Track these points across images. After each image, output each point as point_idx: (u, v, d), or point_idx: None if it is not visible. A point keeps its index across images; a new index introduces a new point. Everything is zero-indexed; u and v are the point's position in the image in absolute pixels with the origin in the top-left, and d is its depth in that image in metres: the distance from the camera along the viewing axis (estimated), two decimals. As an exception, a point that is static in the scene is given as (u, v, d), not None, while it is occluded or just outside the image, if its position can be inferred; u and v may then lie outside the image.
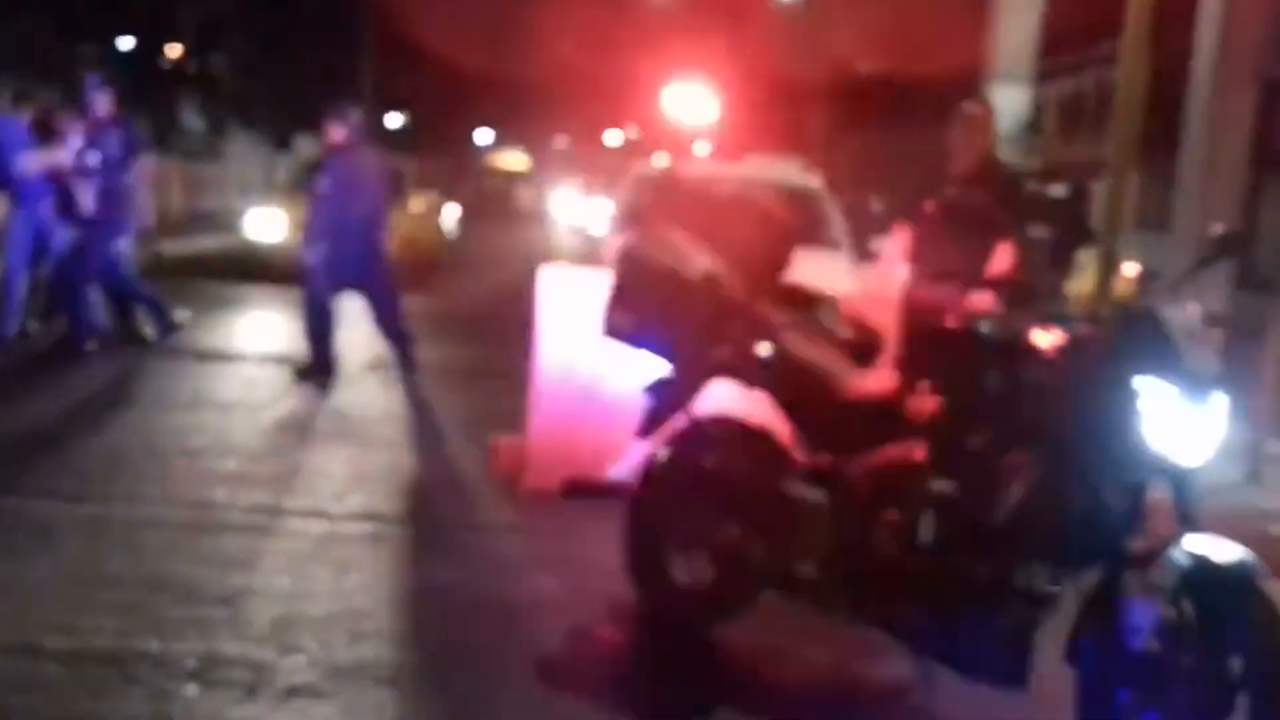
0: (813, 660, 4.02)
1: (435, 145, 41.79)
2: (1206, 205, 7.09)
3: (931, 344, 3.69)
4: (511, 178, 44.76)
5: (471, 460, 6.34)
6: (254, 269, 13.84)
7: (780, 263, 4.36)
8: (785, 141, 22.35)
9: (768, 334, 4.06)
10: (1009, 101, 10.39)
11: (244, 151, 25.97)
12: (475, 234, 23.32)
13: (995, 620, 3.34)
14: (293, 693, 3.51)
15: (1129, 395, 3.10)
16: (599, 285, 4.49)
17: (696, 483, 4.19)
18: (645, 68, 32.20)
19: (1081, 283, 9.63)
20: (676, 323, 4.08)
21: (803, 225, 8.66)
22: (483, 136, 55.11)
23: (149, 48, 36.61)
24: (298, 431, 6.94)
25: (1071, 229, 6.41)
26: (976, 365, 3.46)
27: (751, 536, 4.01)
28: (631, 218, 8.36)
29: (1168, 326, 3.14)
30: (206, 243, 16.43)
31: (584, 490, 5.52)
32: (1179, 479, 3.15)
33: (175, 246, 15.81)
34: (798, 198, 8.77)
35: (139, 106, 28.72)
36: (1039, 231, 6.37)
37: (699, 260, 4.09)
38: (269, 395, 7.95)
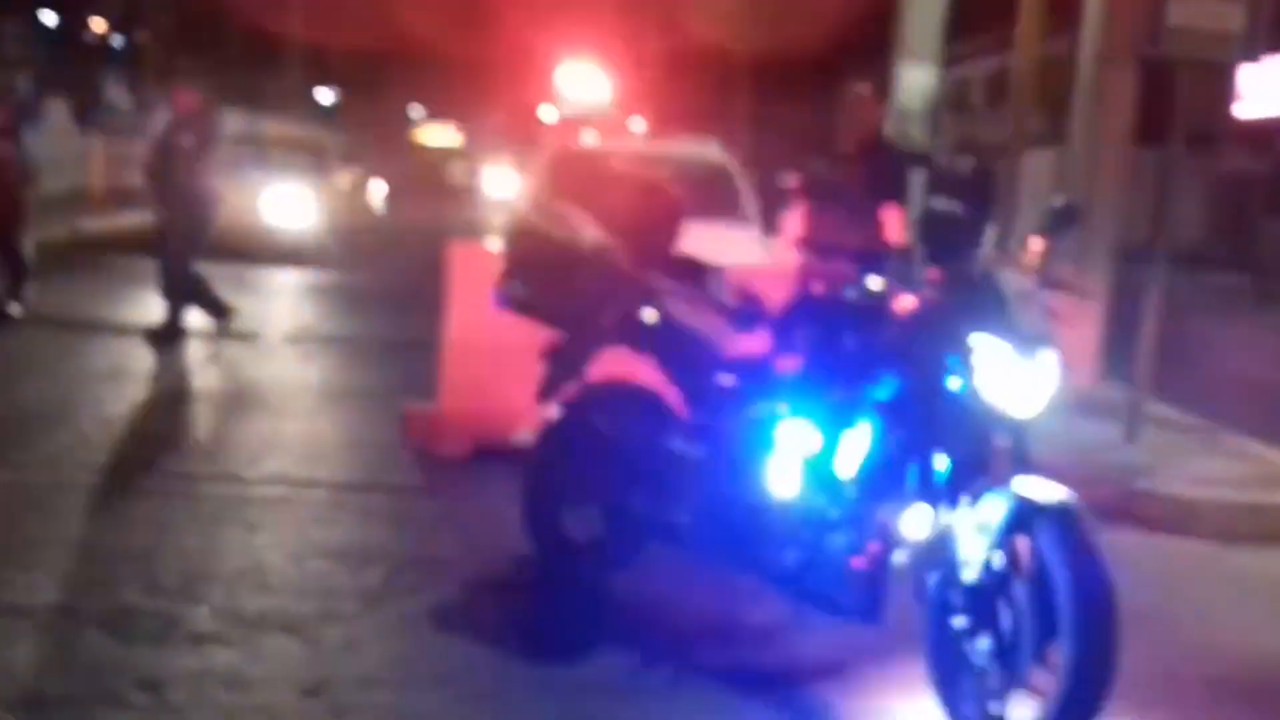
0: (694, 605, 4.29)
1: (366, 121, 41.55)
2: (1093, 179, 7.45)
3: (801, 309, 3.96)
4: (443, 153, 44.60)
5: (385, 427, 6.53)
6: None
7: (668, 234, 4.60)
8: (715, 118, 22.65)
9: (653, 301, 4.30)
10: (916, 80, 10.68)
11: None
12: (404, 210, 23.32)
13: (853, 560, 3.63)
14: (197, 640, 3.71)
15: (966, 352, 3.39)
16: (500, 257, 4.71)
17: (587, 442, 4.43)
18: (583, 40, 32.35)
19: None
20: (567, 292, 4.31)
21: (715, 200, 8.97)
22: (416, 112, 54.84)
23: (73, 23, 36.06)
24: (215, 401, 7.09)
25: (978, 202, 6.75)
26: (839, 328, 3.74)
27: (636, 490, 4.26)
28: (535, 193, 8.57)
29: (1001, 289, 3.43)
30: (128, 219, 16.32)
31: (493, 453, 5.73)
32: (1015, 428, 3.44)
33: (95, 223, 15.72)
34: (710, 174, 9.04)
35: (62, 83, 28.31)
36: (944, 205, 6.72)
37: (587, 232, 4.32)
38: (187, 367, 8.08)
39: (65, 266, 12.36)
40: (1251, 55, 6.54)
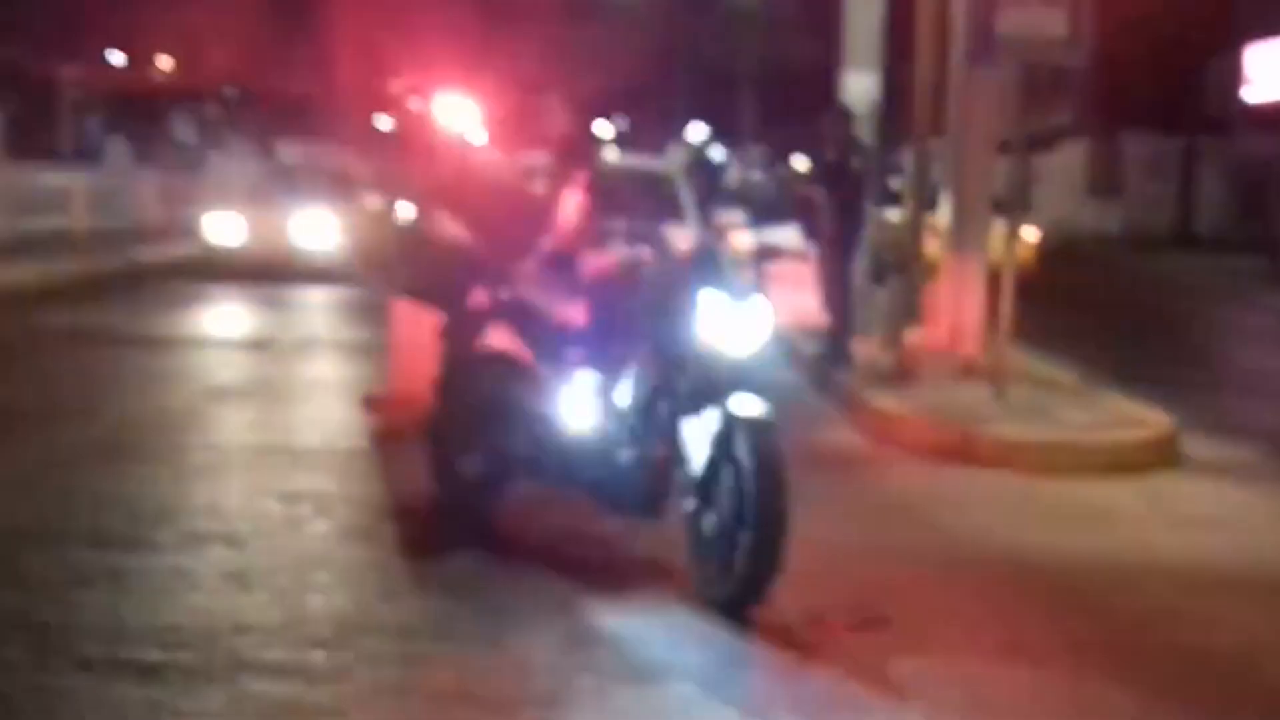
0: (553, 522, 5.47)
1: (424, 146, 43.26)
2: (962, 172, 8.50)
3: (600, 283, 5.15)
4: (494, 174, 46.30)
5: (353, 410, 7.81)
6: (214, 270, 15.34)
7: (533, 230, 5.82)
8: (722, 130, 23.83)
9: (509, 284, 5.52)
10: (859, 85, 11.82)
11: (228, 161, 27.48)
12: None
13: (638, 472, 4.78)
14: (156, 548, 4.99)
15: (694, 304, 4.54)
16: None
17: (466, 400, 5.63)
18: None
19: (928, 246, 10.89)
20: (437, 278, 5.54)
21: (660, 204, 10.20)
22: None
23: (140, 61, 38.26)
24: (220, 394, 8.42)
25: (847, 190, 8.01)
26: (620, 294, 4.93)
27: (501, 435, 5.46)
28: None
29: (721, 255, 4.59)
30: (179, 249, 17.90)
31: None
32: (734, 362, 4.58)
33: (148, 253, 17.31)
34: (652, 180, 10.34)
35: (130, 121, 30.24)
36: (818, 194, 7.94)
37: (452, 230, 5.55)
38: (205, 370, 9.45)
39: (114, 292, 13.90)
40: (1075, 57, 7.57)
